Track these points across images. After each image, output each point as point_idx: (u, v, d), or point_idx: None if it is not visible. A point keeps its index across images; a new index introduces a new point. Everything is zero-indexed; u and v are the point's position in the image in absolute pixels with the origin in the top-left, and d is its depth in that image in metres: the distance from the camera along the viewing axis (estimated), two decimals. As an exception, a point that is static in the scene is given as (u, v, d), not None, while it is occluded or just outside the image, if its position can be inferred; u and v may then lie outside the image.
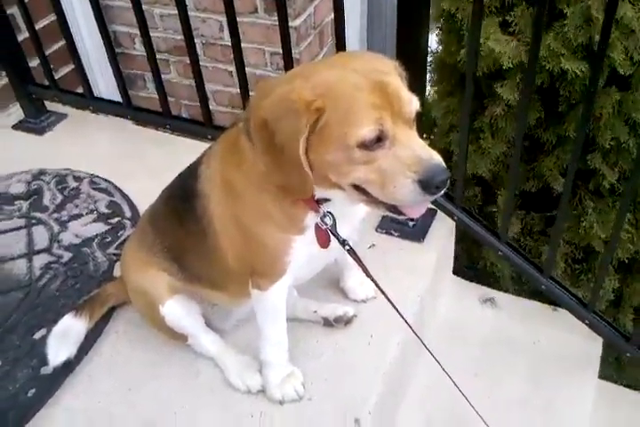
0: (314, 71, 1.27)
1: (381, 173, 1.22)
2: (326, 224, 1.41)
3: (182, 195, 1.56)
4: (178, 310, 1.65)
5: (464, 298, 2.24)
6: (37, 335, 1.80)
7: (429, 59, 2.45)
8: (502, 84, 2.11)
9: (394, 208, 1.31)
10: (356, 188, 1.29)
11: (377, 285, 1.52)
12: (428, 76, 2.49)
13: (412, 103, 1.24)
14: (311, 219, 1.42)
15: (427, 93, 2.40)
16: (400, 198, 1.24)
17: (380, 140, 1.20)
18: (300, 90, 1.20)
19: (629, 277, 2.29)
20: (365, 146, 1.20)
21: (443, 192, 1.25)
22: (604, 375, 2.27)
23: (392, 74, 1.26)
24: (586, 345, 2.11)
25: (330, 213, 1.41)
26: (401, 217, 1.37)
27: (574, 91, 2.03)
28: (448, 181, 1.22)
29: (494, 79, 2.16)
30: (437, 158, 1.22)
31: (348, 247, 1.48)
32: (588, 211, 2.15)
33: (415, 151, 1.21)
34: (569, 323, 2.07)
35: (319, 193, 1.37)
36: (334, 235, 1.44)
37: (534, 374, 2.04)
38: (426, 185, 1.20)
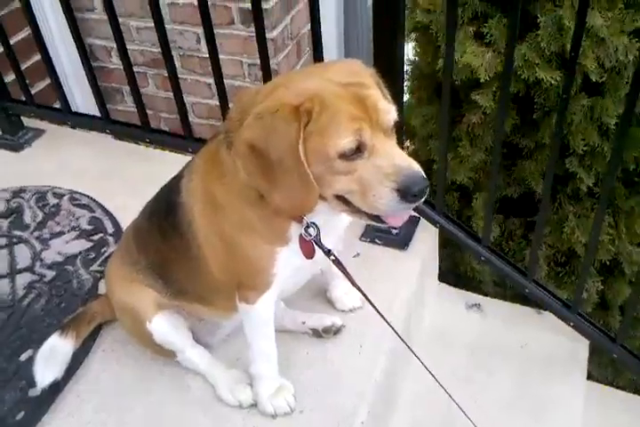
0: (294, 81, 1.28)
1: (361, 182, 1.23)
2: (310, 235, 1.41)
3: (165, 210, 1.55)
4: (165, 327, 1.63)
5: (450, 304, 2.25)
6: (23, 357, 1.77)
7: (407, 68, 2.48)
8: (479, 92, 2.14)
9: (376, 217, 1.31)
10: (339, 198, 1.29)
11: (363, 294, 1.53)
12: (406, 84, 2.51)
13: (391, 113, 1.26)
14: (295, 230, 1.42)
15: (404, 101, 2.43)
16: (380, 208, 1.25)
17: (359, 150, 1.21)
18: (283, 98, 1.21)
19: (611, 278, 2.32)
20: (345, 156, 1.21)
21: (422, 201, 1.26)
22: (592, 377, 2.29)
23: (370, 84, 1.27)
24: (572, 347, 2.14)
25: (314, 223, 1.41)
26: (383, 226, 1.38)
27: (548, 99, 2.07)
28: (427, 190, 1.23)
29: (471, 88, 2.19)
30: (416, 167, 1.23)
31: (333, 257, 1.48)
32: (568, 216, 2.19)
33: (394, 160, 1.22)
34: (555, 325, 2.10)
35: None
36: (319, 245, 1.44)
37: (523, 378, 2.06)
38: (405, 194, 1.21)
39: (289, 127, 1.19)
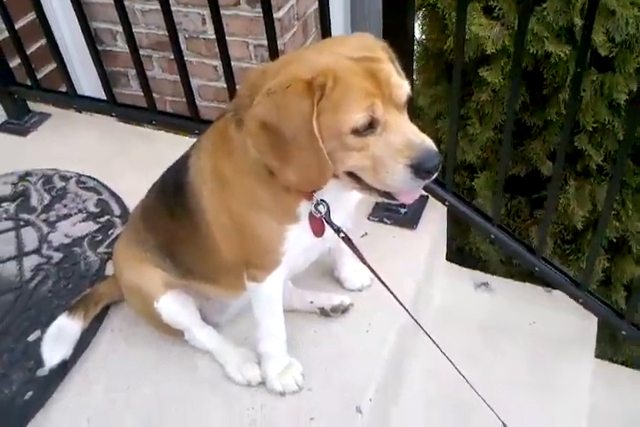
0: (305, 56, 1.26)
1: (374, 159, 1.22)
2: (320, 212, 1.40)
3: (173, 189, 1.55)
4: (173, 306, 1.64)
5: (458, 283, 2.24)
6: (32, 337, 1.78)
7: (415, 47, 2.45)
8: (487, 68, 2.11)
9: (387, 194, 1.30)
10: (350, 175, 1.28)
11: (372, 270, 1.52)
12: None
13: (403, 88, 1.24)
14: (304, 207, 1.41)
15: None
16: (392, 184, 1.24)
17: (371, 126, 1.20)
18: (296, 73, 1.19)
19: (617, 255, 2.30)
20: (358, 132, 1.19)
21: (435, 177, 1.24)
22: (600, 354, 2.28)
23: (382, 58, 1.25)
24: (581, 325, 2.12)
25: (323, 201, 1.40)
26: (395, 202, 1.36)
27: (557, 74, 2.03)
28: (440, 166, 1.22)
29: (479, 65, 2.16)
30: (429, 143, 1.21)
31: (342, 235, 1.47)
32: (569, 189, 2.16)
33: (407, 136, 1.21)
34: (563, 303, 2.09)
35: None
36: (328, 223, 1.43)
37: (532, 356, 2.05)
38: (418, 170, 1.19)
39: (302, 103, 1.17)
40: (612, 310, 2.04)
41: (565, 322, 2.12)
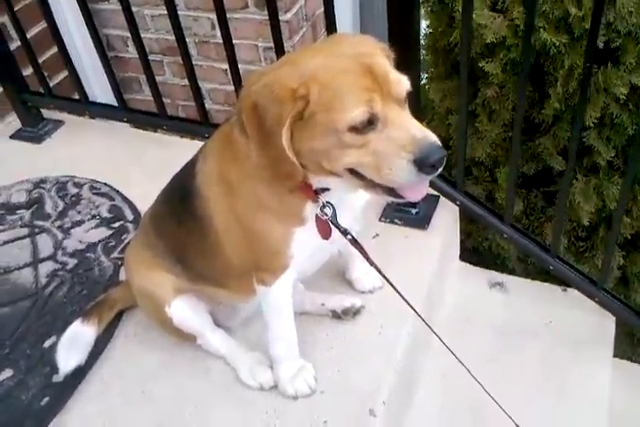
0: (300, 58, 1.26)
1: (376, 155, 1.21)
2: (326, 214, 1.40)
3: (181, 194, 1.55)
4: (184, 311, 1.64)
5: (472, 283, 2.22)
6: (47, 343, 1.80)
7: (422, 41, 2.44)
8: (488, 60, 2.09)
9: (392, 191, 1.28)
10: (352, 172, 1.27)
11: (381, 273, 1.51)
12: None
13: (402, 83, 1.23)
14: (311, 210, 1.41)
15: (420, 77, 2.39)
16: (396, 180, 1.22)
17: (371, 122, 1.19)
18: (284, 78, 1.20)
19: (634, 252, 2.26)
20: (356, 129, 1.18)
21: (439, 171, 1.23)
22: (618, 354, 2.25)
23: (379, 55, 1.25)
24: (599, 324, 2.09)
25: (329, 203, 1.40)
26: (401, 201, 1.35)
27: (559, 67, 2.01)
28: (444, 160, 1.20)
29: (484, 59, 2.13)
30: (432, 137, 1.20)
31: (350, 237, 1.46)
32: (577, 185, 2.13)
33: (409, 131, 1.20)
34: (580, 302, 2.06)
35: (317, 182, 1.36)
36: (335, 225, 1.42)
37: (548, 356, 2.02)
38: (422, 164, 1.18)
39: (279, 110, 1.19)
40: (629, 309, 2.00)
41: (582, 321, 2.09)
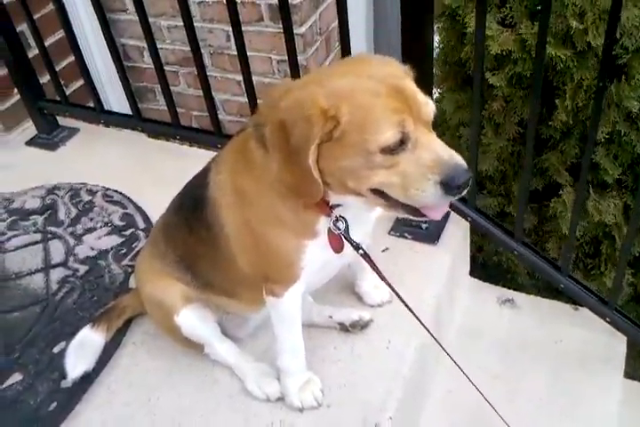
0: (328, 78, 1.27)
1: (403, 176, 1.22)
2: (339, 229, 1.41)
3: (192, 203, 1.56)
4: (193, 320, 1.65)
5: (482, 299, 2.21)
6: (56, 349, 1.81)
7: (435, 56, 2.46)
8: (494, 73, 2.10)
9: (415, 211, 1.30)
10: (376, 192, 1.28)
11: (392, 288, 1.51)
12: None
13: (430, 105, 1.25)
14: (324, 224, 1.42)
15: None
16: (423, 200, 1.24)
17: (402, 143, 1.20)
18: (315, 96, 1.21)
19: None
20: (389, 150, 1.20)
21: (465, 193, 1.25)
22: (630, 374, 2.22)
23: (406, 78, 1.27)
24: (609, 344, 2.07)
25: (342, 217, 1.41)
26: (421, 219, 1.36)
27: (564, 81, 2.02)
28: (470, 182, 1.23)
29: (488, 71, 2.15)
30: (459, 159, 1.22)
31: (362, 252, 1.47)
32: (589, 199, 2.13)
33: (437, 153, 1.21)
34: (591, 321, 2.04)
35: (335, 199, 1.37)
36: (347, 240, 1.43)
37: (557, 375, 2.00)
38: (448, 186, 1.20)
39: (309, 129, 1.20)
40: (640, 329, 1.99)
41: (593, 341, 2.08)
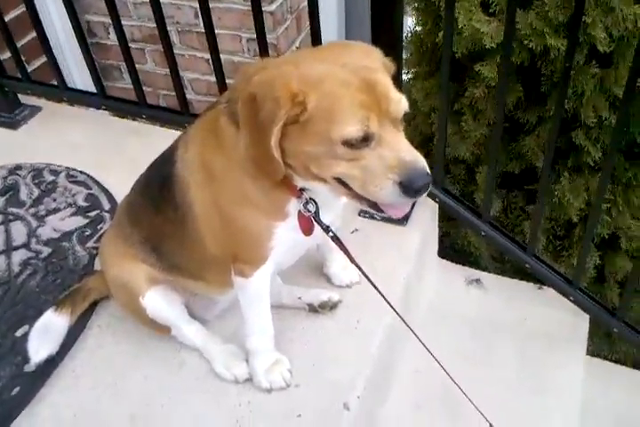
0: (305, 61, 1.25)
1: (364, 170, 1.22)
2: (309, 211, 1.40)
3: (158, 182, 1.53)
4: (158, 302, 1.63)
5: (450, 280, 2.23)
6: (19, 332, 1.77)
7: (408, 39, 2.44)
8: (483, 63, 2.09)
9: (375, 206, 1.30)
10: (339, 181, 1.28)
11: (362, 271, 1.51)
12: (407, 57, 2.47)
13: (401, 103, 1.23)
14: (294, 205, 1.41)
15: (403, 75, 2.39)
16: (380, 198, 1.24)
17: (365, 139, 1.19)
18: (287, 79, 1.19)
19: (610, 252, 2.29)
20: (350, 144, 1.19)
21: (423, 196, 1.24)
22: (593, 351, 2.28)
23: (381, 71, 1.24)
24: (573, 322, 2.12)
25: (312, 199, 1.39)
26: (382, 214, 1.36)
27: (556, 70, 2.02)
28: (429, 186, 1.23)
29: (475, 61, 2.14)
30: (421, 162, 1.21)
31: (331, 234, 1.46)
32: (563, 182, 2.15)
33: (400, 153, 1.21)
34: (555, 300, 2.08)
35: (302, 184, 1.36)
36: (318, 222, 1.42)
37: (523, 354, 2.04)
38: (406, 188, 1.20)
39: (276, 110, 1.18)
40: (603, 308, 2.03)
41: (557, 319, 2.12)
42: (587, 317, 2.10)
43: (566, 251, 2.29)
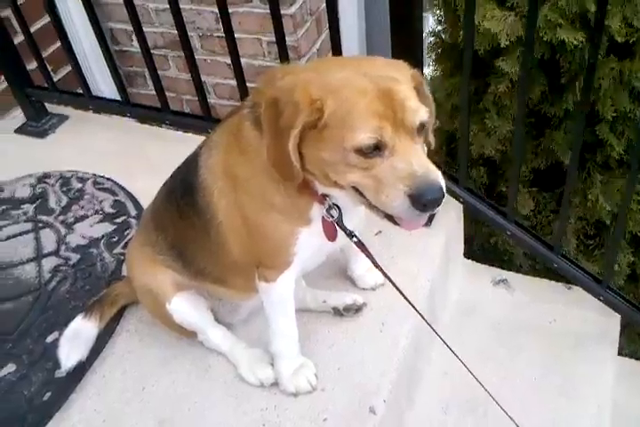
0: (327, 69, 1.27)
1: (376, 180, 1.21)
2: (332, 216, 1.39)
3: (183, 188, 1.55)
4: (185, 307, 1.64)
5: (476, 280, 2.21)
6: (50, 338, 1.81)
7: (430, 39, 2.42)
8: (503, 58, 2.07)
9: (389, 217, 1.29)
10: (356, 190, 1.28)
11: (385, 274, 1.50)
12: (429, 55, 2.46)
13: (418, 113, 1.22)
14: (317, 211, 1.41)
15: (427, 74, 2.38)
16: (390, 209, 1.23)
17: (377, 148, 1.19)
18: (308, 85, 1.20)
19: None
20: (362, 152, 1.19)
21: (436, 210, 1.23)
22: (625, 352, 2.23)
23: (403, 82, 1.23)
24: (603, 322, 2.08)
25: (336, 204, 1.39)
26: (396, 226, 1.34)
27: (574, 62, 1.99)
28: (441, 201, 1.20)
29: (496, 56, 2.11)
30: (433, 176, 1.20)
31: (355, 240, 1.46)
32: (595, 183, 2.11)
33: (412, 165, 1.19)
34: (584, 300, 2.04)
35: (323, 190, 1.36)
36: (341, 227, 1.42)
37: (552, 355, 2.01)
38: (416, 201, 1.18)
39: (295, 115, 1.19)
40: (634, 307, 1.99)
41: (586, 319, 2.08)
42: (618, 316, 2.06)
43: (599, 250, 2.25)
